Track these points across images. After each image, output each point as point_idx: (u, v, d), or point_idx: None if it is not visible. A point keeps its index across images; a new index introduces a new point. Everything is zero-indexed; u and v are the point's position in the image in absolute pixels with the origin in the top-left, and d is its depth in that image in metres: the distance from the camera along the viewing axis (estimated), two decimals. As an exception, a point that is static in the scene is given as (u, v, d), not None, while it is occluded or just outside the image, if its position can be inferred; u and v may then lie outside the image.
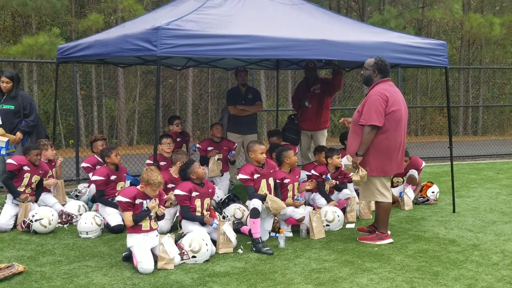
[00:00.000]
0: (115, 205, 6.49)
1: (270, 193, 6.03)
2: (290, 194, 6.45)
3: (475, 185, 9.86)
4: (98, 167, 7.29)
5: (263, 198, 5.85)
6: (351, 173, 5.98)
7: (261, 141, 6.33)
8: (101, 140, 7.89)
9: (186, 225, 5.85)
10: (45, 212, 6.38)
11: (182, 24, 5.77)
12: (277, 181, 6.31)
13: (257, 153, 5.99)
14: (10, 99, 7.58)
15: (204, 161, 8.09)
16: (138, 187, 5.23)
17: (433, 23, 24.71)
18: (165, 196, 5.69)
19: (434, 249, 5.72)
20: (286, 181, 6.42)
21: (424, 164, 8.23)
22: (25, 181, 6.75)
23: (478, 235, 6.27)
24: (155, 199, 5.17)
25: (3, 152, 7.17)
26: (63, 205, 7.52)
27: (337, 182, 7.26)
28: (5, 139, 7.20)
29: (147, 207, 5.13)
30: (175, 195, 5.87)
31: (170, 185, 6.50)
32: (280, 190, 6.36)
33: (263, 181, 6.02)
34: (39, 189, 6.98)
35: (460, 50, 24.12)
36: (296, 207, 6.34)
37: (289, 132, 8.55)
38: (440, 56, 7.13)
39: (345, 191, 7.21)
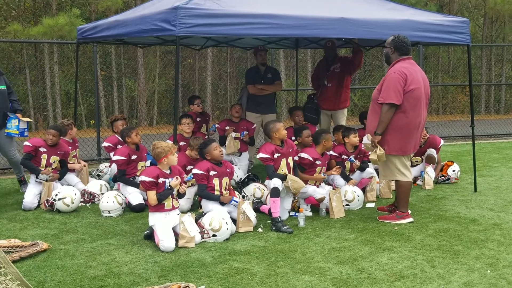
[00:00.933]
0: (136, 185, 6.55)
1: (289, 172, 6.04)
2: (315, 175, 6.45)
3: (497, 164, 9.75)
4: (119, 146, 7.36)
5: (283, 178, 5.86)
6: (370, 152, 5.96)
7: (279, 119, 6.34)
8: (121, 119, 7.94)
9: (206, 204, 5.90)
10: (68, 191, 6.48)
11: (201, 3, 5.75)
12: (310, 159, 6.34)
13: (280, 130, 6.01)
14: None
15: (223, 141, 8.12)
16: (159, 166, 5.30)
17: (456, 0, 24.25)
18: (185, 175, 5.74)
19: (455, 228, 5.69)
20: (317, 162, 6.42)
21: (442, 142, 8.17)
22: (43, 162, 6.84)
23: (500, 214, 6.22)
24: (177, 177, 5.23)
25: (26, 133, 7.21)
26: (99, 175, 7.74)
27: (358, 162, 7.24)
28: (27, 119, 7.24)
29: (170, 185, 5.19)
30: (193, 174, 5.91)
31: (189, 167, 6.55)
32: (307, 170, 6.37)
33: (283, 160, 6.03)
34: (63, 169, 7.07)
35: (483, 28, 23.68)
36: (319, 181, 6.37)
37: (309, 111, 8.52)
38: (462, 33, 7.00)
39: (368, 169, 7.19)
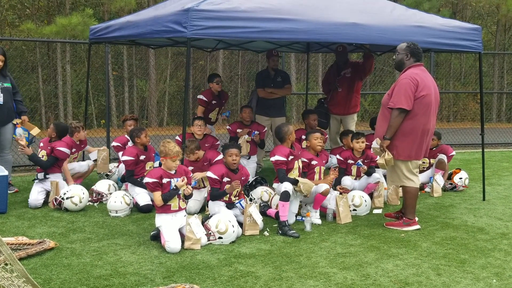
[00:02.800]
0: (144, 185, 6.58)
1: (299, 174, 6.06)
2: (316, 177, 6.43)
3: (506, 173, 9.69)
4: (128, 146, 7.40)
5: (294, 182, 5.87)
6: (378, 156, 5.95)
7: (288, 123, 6.35)
8: (131, 120, 7.99)
9: (213, 206, 5.92)
10: (76, 190, 6.52)
11: (213, 6, 5.77)
12: (305, 161, 6.34)
13: (293, 133, 6.14)
14: (3, 77, 7.22)
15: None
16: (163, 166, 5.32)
17: (469, 7, 24.16)
18: (191, 175, 5.76)
19: (462, 236, 5.66)
20: (313, 162, 6.41)
21: (454, 153, 8.15)
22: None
23: (508, 224, 6.18)
24: (183, 178, 5.23)
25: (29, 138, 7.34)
26: (107, 175, 7.78)
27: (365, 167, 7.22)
28: (33, 129, 7.40)
29: (175, 185, 5.20)
30: (207, 177, 5.94)
31: (189, 168, 6.56)
32: (307, 173, 6.37)
33: (296, 162, 6.09)
34: (42, 160, 6.98)
35: (496, 35, 23.57)
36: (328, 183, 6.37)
37: (319, 115, 8.51)
38: (474, 41, 6.98)
39: (375, 175, 7.15)
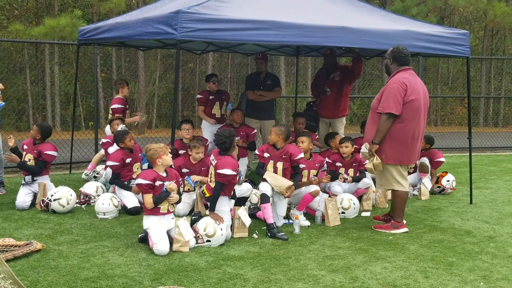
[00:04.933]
0: (129, 188, 6.60)
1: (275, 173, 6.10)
2: (304, 179, 6.43)
3: (493, 176, 9.77)
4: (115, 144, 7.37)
5: (261, 175, 6.05)
6: (366, 161, 5.98)
7: (283, 124, 6.38)
8: (117, 119, 7.97)
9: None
10: (63, 192, 6.47)
11: (203, 8, 5.77)
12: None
13: (272, 134, 6.12)
14: None
15: None
16: (155, 168, 5.30)
17: (456, 12, 24.36)
18: (188, 177, 5.75)
19: (450, 239, 5.69)
20: (301, 166, 6.41)
21: (443, 159, 8.21)
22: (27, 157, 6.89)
23: (495, 227, 6.23)
24: (173, 182, 5.23)
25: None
26: (95, 176, 7.82)
27: (351, 176, 7.17)
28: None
29: (165, 188, 5.18)
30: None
31: (184, 170, 6.55)
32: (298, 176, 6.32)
33: (271, 162, 6.10)
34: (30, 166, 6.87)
35: (483, 40, 23.78)
36: (312, 184, 6.34)
37: (308, 119, 8.52)
38: (462, 45, 7.04)
39: (365, 180, 7.13)
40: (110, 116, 8.40)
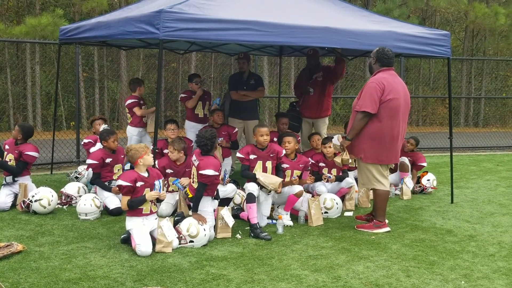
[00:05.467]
0: (110, 190, 6.55)
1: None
2: (287, 179, 6.43)
3: (474, 176, 9.88)
4: (98, 143, 7.31)
5: (253, 176, 5.97)
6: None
7: (265, 124, 6.37)
8: (99, 119, 7.90)
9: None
10: (44, 193, 6.41)
11: (185, 7, 5.75)
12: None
13: (257, 135, 6.14)
14: None
15: None
16: (136, 169, 5.27)
17: (437, 13, 24.59)
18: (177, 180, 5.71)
19: (431, 238, 5.74)
20: (284, 166, 6.42)
21: (425, 164, 8.30)
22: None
23: (476, 226, 6.30)
24: (157, 192, 5.21)
25: None
26: (77, 177, 7.68)
27: (334, 175, 7.20)
28: None
29: (145, 195, 5.13)
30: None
31: (168, 171, 6.53)
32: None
33: (259, 163, 6.11)
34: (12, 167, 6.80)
35: (464, 41, 24.03)
36: (293, 184, 6.33)
37: (291, 119, 8.53)
38: (443, 46, 7.11)
39: (347, 179, 7.16)
40: (129, 115, 8.35)
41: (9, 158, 6.79)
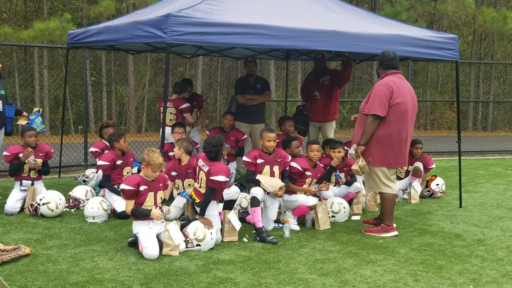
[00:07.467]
0: (119, 193, 6.55)
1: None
2: (305, 186, 6.41)
3: (482, 180, 9.82)
4: (106, 151, 7.32)
5: (256, 181, 5.95)
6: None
7: (272, 128, 6.34)
8: (112, 126, 7.90)
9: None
10: (52, 196, 6.43)
11: (192, 12, 5.77)
12: (299, 169, 6.31)
13: (264, 140, 6.10)
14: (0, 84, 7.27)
15: None
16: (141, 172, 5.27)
17: (445, 17, 24.52)
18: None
19: (439, 243, 5.71)
20: (307, 173, 6.39)
21: (433, 166, 8.25)
22: (26, 167, 6.77)
23: (484, 230, 6.26)
24: (160, 214, 5.18)
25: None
26: (85, 180, 7.73)
27: (343, 178, 7.19)
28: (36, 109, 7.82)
29: (151, 213, 5.13)
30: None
31: (173, 173, 6.53)
32: (297, 180, 6.34)
33: (267, 167, 6.09)
34: (44, 168, 6.97)
35: (472, 45, 23.94)
36: (310, 194, 6.33)
37: (298, 123, 8.54)
38: (451, 50, 7.08)
39: (356, 184, 7.14)
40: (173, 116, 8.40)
41: (39, 162, 6.84)
